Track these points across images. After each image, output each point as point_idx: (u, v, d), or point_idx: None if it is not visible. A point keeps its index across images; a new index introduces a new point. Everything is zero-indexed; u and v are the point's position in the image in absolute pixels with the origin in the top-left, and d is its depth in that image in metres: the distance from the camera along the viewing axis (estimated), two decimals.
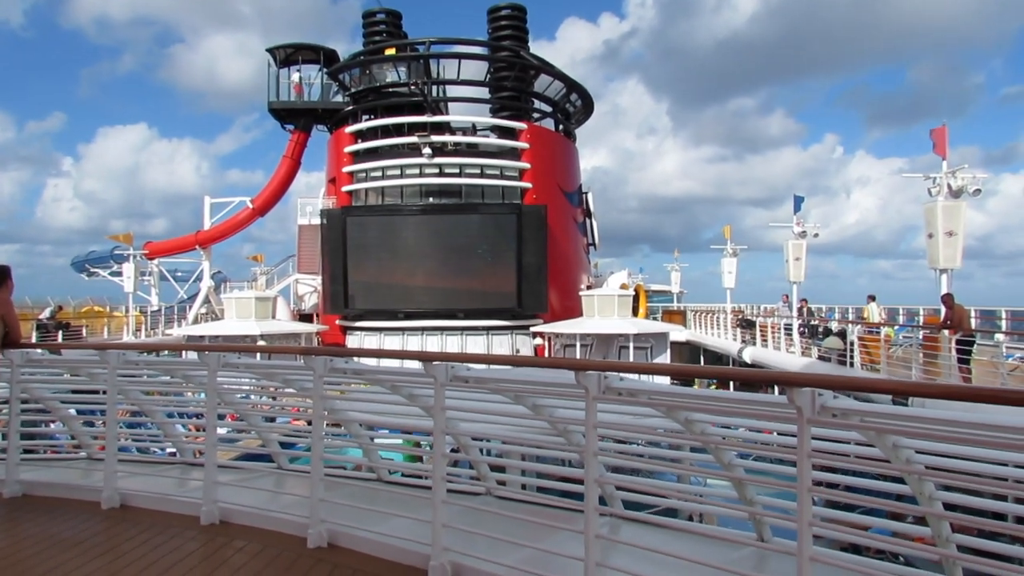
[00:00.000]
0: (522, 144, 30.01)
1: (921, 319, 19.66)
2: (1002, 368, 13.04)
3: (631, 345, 25.16)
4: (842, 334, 18.40)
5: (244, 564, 3.94)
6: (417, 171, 28.98)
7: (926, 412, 2.58)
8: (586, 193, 36.12)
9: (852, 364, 16.86)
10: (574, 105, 34.25)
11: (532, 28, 34.37)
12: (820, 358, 18.76)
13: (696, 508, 4.88)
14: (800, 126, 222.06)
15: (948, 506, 2.93)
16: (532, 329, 27.39)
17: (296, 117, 33.34)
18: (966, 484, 2.71)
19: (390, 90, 30.90)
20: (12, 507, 5.13)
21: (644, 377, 4.33)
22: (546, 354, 26.86)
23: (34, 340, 19.41)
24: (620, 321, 25.19)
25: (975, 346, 13.57)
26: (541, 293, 26.76)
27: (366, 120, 30.68)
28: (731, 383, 18.99)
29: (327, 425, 4.80)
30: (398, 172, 29.36)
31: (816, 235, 23.53)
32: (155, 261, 34.64)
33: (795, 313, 23.03)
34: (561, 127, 33.90)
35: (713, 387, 19.97)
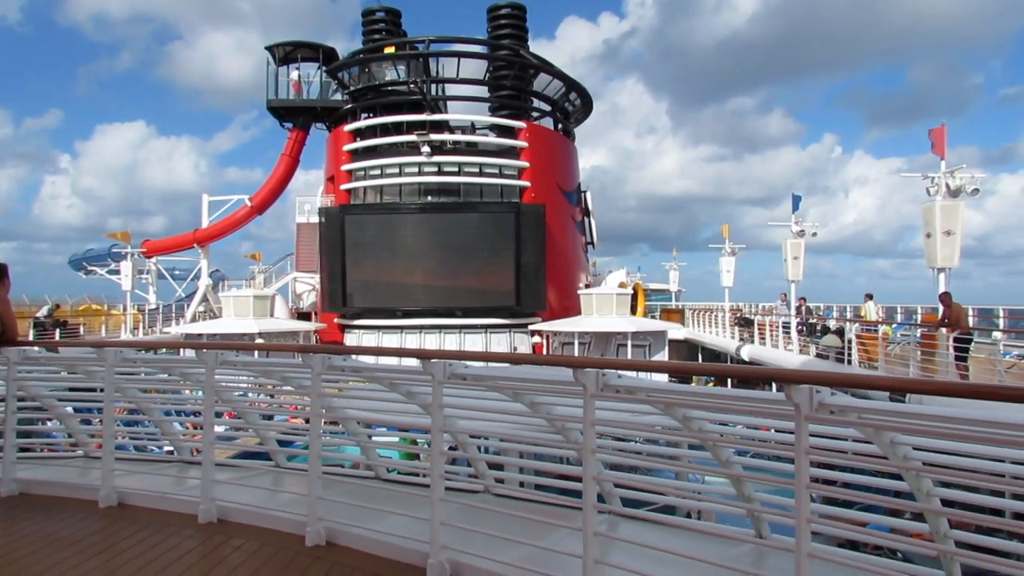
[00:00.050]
0: (521, 143, 30.00)
1: (919, 317, 19.69)
2: (999, 365, 13.07)
3: (629, 343, 25.18)
4: (840, 332, 18.43)
5: (242, 562, 3.93)
6: (416, 170, 28.96)
7: (923, 409, 2.58)
8: (585, 192, 36.12)
9: (850, 362, 16.89)
10: (573, 104, 34.24)
11: (532, 27, 34.42)
12: (818, 356, 18.80)
13: (694, 505, 4.89)
14: (799, 126, 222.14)
15: (946, 502, 2.94)
16: (530, 327, 27.40)
17: (295, 115, 33.32)
18: (964, 480, 2.71)
19: (389, 88, 30.87)
20: (9, 506, 5.12)
21: (642, 375, 4.34)
22: (544, 352, 26.89)
23: (31, 338, 19.39)
24: (618, 319, 25.22)
25: (972, 344, 13.61)
26: (539, 291, 26.78)
27: (365, 118, 30.65)
28: (729, 380, 19.00)
29: (325, 423, 4.80)
30: (397, 171, 29.33)
31: (814, 234, 23.56)
32: (153, 259, 34.62)
33: (793, 311, 23.07)
34: (560, 126, 33.89)
35: (711, 384, 20.00)
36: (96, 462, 5.46)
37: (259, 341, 23.42)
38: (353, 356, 4.75)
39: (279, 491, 5.11)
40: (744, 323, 26.98)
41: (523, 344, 27.83)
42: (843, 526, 3.10)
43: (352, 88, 31.26)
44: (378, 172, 29.64)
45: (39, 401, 5.96)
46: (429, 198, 28.96)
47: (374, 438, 6.20)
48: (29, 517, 4.81)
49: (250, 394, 6.19)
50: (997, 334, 14.99)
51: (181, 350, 7.51)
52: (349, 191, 29.86)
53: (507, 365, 4.56)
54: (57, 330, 23.45)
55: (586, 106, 35.31)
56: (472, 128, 31.31)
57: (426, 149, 28.30)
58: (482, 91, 31.92)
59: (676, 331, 30.36)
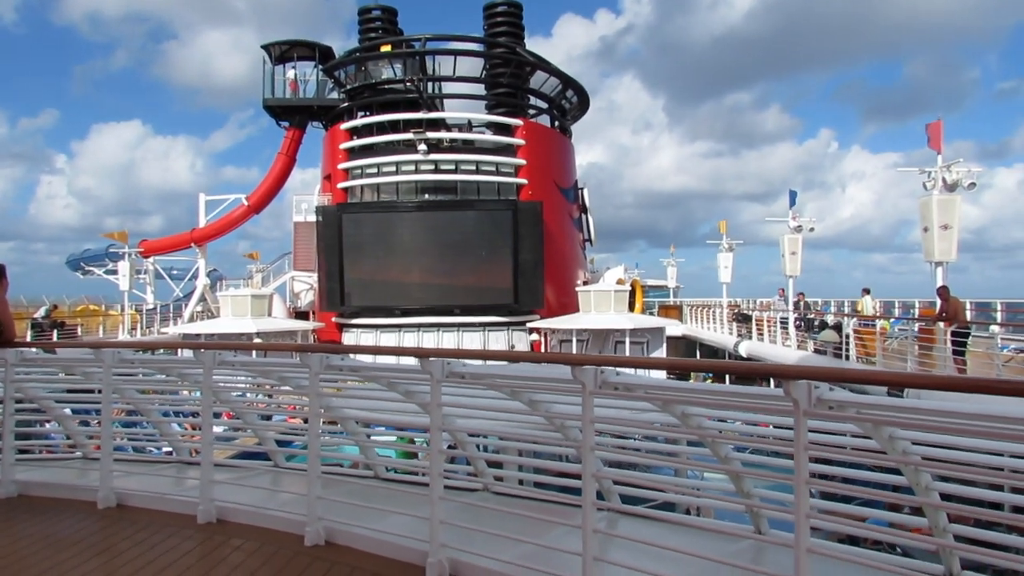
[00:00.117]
0: (518, 140, 29.96)
1: (916, 312, 19.72)
2: (997, 359, 13.10)
3: (627, 340, 25.19)
4: (838, 327, 18.46)
5: (241, 562, 3.93)
6: (413, 168, 28.91)
7: (922, 403, 2.58)
8: (582, 189, 36.08)
9: (848, 357, 16.92)
10: (570, 101, 34.19)
11: (528, 24, 34.34)
12: (816, 351, 18.82)
13: (693, 502, 4.89)
14: (795, 121, 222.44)
15: (944, 496, 2.94)
16: (528, 325, 27.39)
17: (291, 114, 33.22)
18: (962, 474, 2.71)
19: (385, 87, 30.78)
20: (8, 507, 5.11)
21: (640, 371, 4.34)
22: (542, 350, 26.89)
23: (29, 339, 19.34)
24: (616, 316, 25.23)
25: (970, 338, 13.64)
26: (537, 289, 26.77)
27: (361, 117, 30.58)
28: (727, 376, 19.01)
29: (324, 423, 4.79)
30: (394, 169, 29.28)
31: (812, 229, 23.62)
32: (150, 259, 34.50)
33: (791, 307, 23.11)
34: (557, 123, 33.85)
35: (709, 381, 20.02)
36: (95, 463, 5.45)
37: (257, 341, 23.40)
38: (351, 355, 4.75)
39: (278, 491, 5.10)
40: (742, 319, 27.00)
41: (521, 342, 27.84)
42: (842, 521, 3.10)
43: (348, 86, 31.18)
44: (375, 170, 29.57)
45: (37, 402, 5.94)
46: (426, 196, 28.91)
47: (373, 437, 6.19)
48: (28, 518, 4.80)
49: (248, 394, 6.19)
50: (995, 328, 15.04)
51: (179, 350, 7.49)
52: (346, 190, 29.80)
53: (505, 363, 4.57)
54: (55, 331, 23.39)
55: (583, 103, 35.25)
56: (469, 126, 31.24)
57: (423, 147, 28.25)
58: (479, 89, 31.84)
59: (674, 327, 30.36)
